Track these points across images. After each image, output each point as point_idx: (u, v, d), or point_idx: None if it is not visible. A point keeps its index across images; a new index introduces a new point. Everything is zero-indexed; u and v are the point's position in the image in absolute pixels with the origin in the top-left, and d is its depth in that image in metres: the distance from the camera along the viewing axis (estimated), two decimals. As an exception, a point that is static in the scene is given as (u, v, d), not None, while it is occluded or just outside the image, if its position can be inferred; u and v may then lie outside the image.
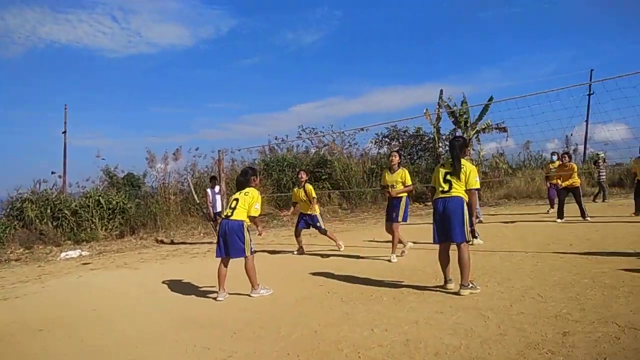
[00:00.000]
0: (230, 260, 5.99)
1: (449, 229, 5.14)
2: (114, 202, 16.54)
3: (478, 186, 5.35)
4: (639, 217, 10.81)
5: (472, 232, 8.61)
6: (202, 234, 15.08)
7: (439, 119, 21.30)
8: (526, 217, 12.67)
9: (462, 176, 5.23)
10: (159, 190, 18.53)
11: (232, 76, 57.28)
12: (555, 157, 13.40)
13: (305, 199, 9.22)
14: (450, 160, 5.36)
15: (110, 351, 4.29)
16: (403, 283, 5.88)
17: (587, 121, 21.15)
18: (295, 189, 9.59)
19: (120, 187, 18.61)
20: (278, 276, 7.09)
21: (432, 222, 5.38)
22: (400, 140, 23.69)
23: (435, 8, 53.37)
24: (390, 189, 7.56)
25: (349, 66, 57.76)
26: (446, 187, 5.26)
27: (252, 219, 5.98)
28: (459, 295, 5.06)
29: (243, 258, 5.88)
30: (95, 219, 15.97)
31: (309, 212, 9.19)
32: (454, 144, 5.42)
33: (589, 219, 10.73)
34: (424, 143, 23.31)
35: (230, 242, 5.83)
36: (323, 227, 9.19)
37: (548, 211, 13.19)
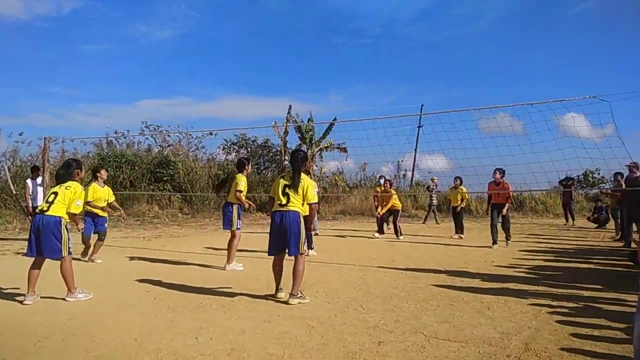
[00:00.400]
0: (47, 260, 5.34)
1: (285, 242, 5.21)
2: None
3: (316, 200, 5.47)
4: (456, 237, 12.23)
5: (309, 243, 8.92)
6: (17, 230, 13.31)
7: (286, 132, 21.91)
8: (357, 232, 13.52)
9: (300, 190, 5.28)
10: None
11: (71, 60, 51.96)
12: (382, 181, 14.59)
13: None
14: (291, 172, 5.41)
15: None
16: (235, 291, 5.81)
17: (415, 150, 23.42)
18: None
19: None
20: (101, 280, 6.53)
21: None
22: (249, 149, 23.76)
23: (290, 27, 55.04)
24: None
25: (202, 69, 56.29)
26: (284, 201, 5.26)
27: (71, 215, 5.38)
28: (288, 304, 5.14)
29: (59, 259, 5.29)
30: None
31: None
32: (296, 157, 5.47)
33: (401, 238, 11.83)
34: (271, 154, 23.70)
35: (44, 240, 5.18)
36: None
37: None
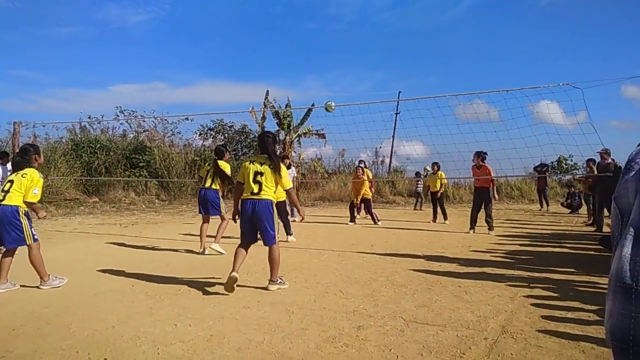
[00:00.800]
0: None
1: (260, 232, 5.11)
2: None
3: (291, 185, 5.31)
4: (434, 223, 12.34)
5: (287, 229, 8.94)
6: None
7: (264, 118, 21.68)
8: (336, 219, 13.55)
9: (272, 176, 5.07)
10: None
11: (42, 43, 50.43)
12: (362, 165, 14.62)
13: None
14: (263, 156, 5.16)
15: None
16: (214, 277, 5.78)
17: (393, 136, 23.54)
18: None
19: None
20: (77, 267, 6.41)
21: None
22: (226, 135, 23.54)
23: (267, 12, 54.49)
24: None
25: (177, 54, 55.40)
26: (256, 189, 5.03)
27: (29, 204, 5.18)
28: (267, 290, 5.13)
29: (26, 247, 5.16)
30: None
31: None
32: (266, 140, 5.20)
33: (379, 224, 11.83)
34: (248, 140, 23.53)
35: (3, 230, 5.04)
36: None
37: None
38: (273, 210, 5.10)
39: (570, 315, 4.26)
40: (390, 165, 24.86)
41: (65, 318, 4.19)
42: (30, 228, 5.19)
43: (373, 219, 11.98)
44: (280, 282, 5.26)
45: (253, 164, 5.12)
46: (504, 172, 12.13)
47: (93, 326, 3.97)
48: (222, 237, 7.45)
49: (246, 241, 5.20)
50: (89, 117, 21.12)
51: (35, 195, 5.16)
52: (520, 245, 8.65)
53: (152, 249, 8.03)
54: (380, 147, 23.58)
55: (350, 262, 6.82)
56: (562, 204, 16.32)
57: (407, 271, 6.20)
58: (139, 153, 19.30)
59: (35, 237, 5.24)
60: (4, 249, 5.21)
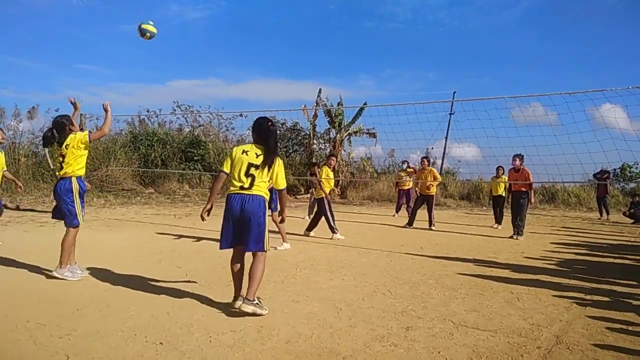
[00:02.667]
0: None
1: (246, 234, 4.16)
2: (-54, 156, 14.33)
3: (286, 185, 4.46)
4: (497, 228, 12.03)
5: (331, 227, 9.00)
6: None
7: (315, 116, 21.82)
8: (385, 219, 13.47)
9: (267, 171, 4.26)
10: (7, 149, 16.46)
11: (106, 40, 52.78)
12: (405, 165, 14.42)
13: None
14: (261, 147, 4.30)
15: None
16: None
17: (446, 138, 23.10)
18: None
19: (-44, 139, 16.22)
20: (134, 255, 6.70)
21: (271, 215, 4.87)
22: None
23: (321, 10, 54.65)
24: None
25: (233, 51, 56.56)
26: (247, 183, 4.19)
27: (95, 137, 5.25)
28: (241, 310, 4.03)
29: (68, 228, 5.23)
30: None
31: None
32: (264, 127, 4.34)
33: (434, 228, 11.42)
34: (299, 138, 23.71)
35: (61, 205, 5.19)
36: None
37: (394, 215, 14.18)
38: (265, 209, 4.27)
39: (630, 329, 4.06)
40: (442, 167, 24.44)
41: (124, 302, 4.39)
42: (82, 208, 5.26)
43: (430, 221, 11.54)
44: (257, 303, 4.11)
45: (247, 154, 4.26)
46: (562, 177, 11.68)
47: (149, 311, 4.13)
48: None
49: (237, 249, 4.32)
50: (148, 111, 21.94)
51: (93, 134, 5.26)
52: (577, 254, 8.31)
53: (205, 239, 8.27)
54: (432, 148, 23.25)
55: (398, 263, 6.77)
56: (624, 214, 15.52)
57: (457, 275, 6.09)
58: (194, 147, 19.85)
59: (81, 221, 5.27)
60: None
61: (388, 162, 23.73)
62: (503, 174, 12.21)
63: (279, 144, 23.00)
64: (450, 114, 21.38)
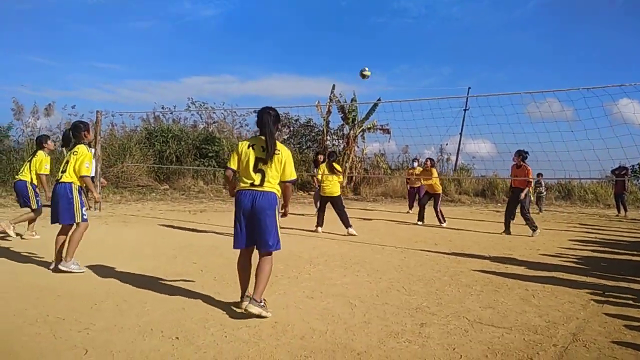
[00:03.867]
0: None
1: (257, 233, 4.02)
2: (-33, 153, 14.62)
3: (295, 177, 4.28)
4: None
5: (346, 222, 9.04)
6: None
7: (329, 112, 21.81)
8: (399, 215, 13.43)
9: (276, 164, 4.08)
10: (25, 146, 16.71)
11: (120, 37, 53.31)
12: (415, 164, 14.36)
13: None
14: (262, 138, 4.11)
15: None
16: (278, 267, 5.90)
17: (460, 134, 22.95)
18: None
19: (-23, 137, 16.50)
20: (150, 250, 6.77)
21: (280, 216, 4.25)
22: (291, 129, 23.85)
23: (333, 6, 54.56)
24: None
25: (246, 47, 56.88)
26: (257, 179, 4.03)
27: (83, 180, 5.36)
28: (247, 311, 3.89)
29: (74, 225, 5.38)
30: (-60, 169, 14.00)
31: None
32: (266, 117, 4.13)
33: (444, 225, 11.29)
34: (313, 134, 23.71)
35: (59, 206, 5.30)
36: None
37: (408, 211, 14.12)
38: (277, 207, 4.13)
39: (649, 327, 4.01)
40: (456, 163, 24.29)
41: (141, 297, 4.44)
42: (82, 208, 5.37)
43: (438, 217, 11.51)
44: (263, 305, 3.97)
45: (253, 149, 4.09)
46: (579, 173, 11.51)
47: (165, 306, 4.18)
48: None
49: (246, 247, 4.16)
50: (162, 108, 22.14)
51: (86, 169, 5.36)
52: (594, 251, 8.21)
53: (220, 235, 8.33)
54: (447, 144, 23.11)
55: (413, 260, 6.76)
56: (642, 210, 15.29)
57: (471, 271, 6.06)
58: (209, 143, 19.96)
59: (85, 217, 5.42)
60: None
61: (402, 158, 23.67)
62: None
63: (292, 140, 23.29)
64: (465, 110, 21.26)
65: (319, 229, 9.29)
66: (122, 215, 10.87)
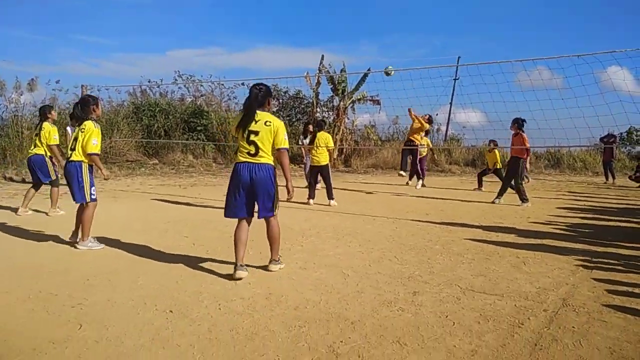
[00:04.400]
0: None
1: (258, 202, 4.33)
2: (-51, 130, 14.33)
3: (287, 145, 4.41)
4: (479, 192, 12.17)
5: (330, 193, 9.16)
6: (59, 175, 13.74)
7: (318, 83, 21.53)
8: (390, 186, 13.46)
9: (268, 135, 4.25)
10: (9, 122, 16.38)
11: (105, 9, 52.13)
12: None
13: None
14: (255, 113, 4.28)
15: None
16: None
17: (451, 103, 22.85)
18: None
19: (-41, 113, 16.13)
20: (141, 225, 6.74)
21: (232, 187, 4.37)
22: (280, 101, 23.60)
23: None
24: None
25: (232, 18, 55.88)
26: (252, 150, 4.24)
27: (91, 157, 5.30)
28: (269, 271, 4.50)
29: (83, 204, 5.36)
30: None
31: None
32: (251, 92, 4.31)
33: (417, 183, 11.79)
34: (302, 106, 23.50)
35: (72, 186, 5.30)
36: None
37: (407, 183, 14.17)
38: (274, 177, 4.36)
39: (636, 291, 4.08)
40: (446, 133, 24.28)
41: (133, 272, 4.43)
42: (91, 187, 5.33)
43: (418, 175, 11.82)
44: (278, 261, 4.60)
45: (242, 123, 4.32)
46: (569, 141, 11.57)
47: (158, 280, 4.18)
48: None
49: (243, 217, 4.37)
50: (149, 81, 21.70)
51: (94, 146, 5.24)
52: (583, 218, 8.31)
53: (211, 209, 8.30)
54: (437, 115, 23.04)
55: (404, 230, 6.79)
56: (630, 178, 15.44)
57: (463, 240, 6.11)
58: (197, 117, 19.71)
59: (94, 196, 5.35)
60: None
61: (392, 129, 23.61)
62: (496, 147, 12.22)
63: (281, 113, 23.07)
64: (455, 79, 21.10)
65: (311, 201, 9.28)
66: (112, 190, 10.78)
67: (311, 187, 9.49)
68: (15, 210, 7.62)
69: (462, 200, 10.50)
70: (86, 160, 5.33)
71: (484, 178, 12.75)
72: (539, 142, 9.42)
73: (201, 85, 22.25)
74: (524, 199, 9.64)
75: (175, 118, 19.54)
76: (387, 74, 9.38)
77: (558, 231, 6.95)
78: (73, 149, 5.33)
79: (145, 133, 18.57)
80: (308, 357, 2.74)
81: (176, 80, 21.86)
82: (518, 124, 9.49)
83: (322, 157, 9.30)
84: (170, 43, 57.26)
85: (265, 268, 4.57)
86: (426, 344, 2.95)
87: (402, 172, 11.60)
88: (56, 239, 5.71)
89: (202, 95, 22.52)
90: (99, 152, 5.37)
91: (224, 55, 53.01)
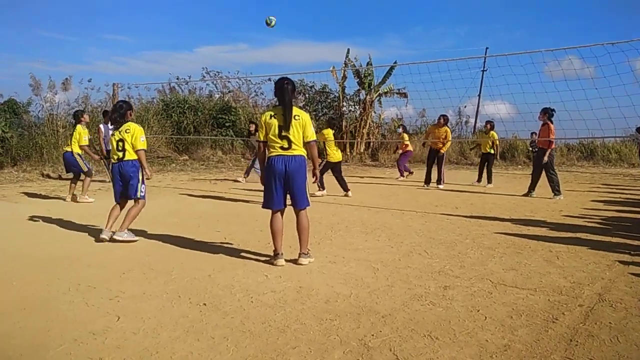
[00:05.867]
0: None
1: (292, 193, 4.54)
2: (-9, 129, 14.84)
3: (315, 137, 4.63)
4: (479, 185, 12.00)
5: (321, 183, 9.27)
6: (92, 168, 14.07)
7: (344, 77, 21.44)
8: (418, 180, 13.35)
9: (298, 129, 4.44)
10: (45, 121, 16.85)
11: (133, 8, 53.11)
12: (400, 130, 14.30)
13: None
14: (280, 108, 4.49)
15: (-24, 288, 3.90)
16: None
17: (479, 95, 22.49)
18: None
19: (-1, 113, 16.67)
20: (174, 220, 6.87)
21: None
22: (307, 95, 23.61)
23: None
24: None
25: (258, 14, 56.26)
26: (285, 144, 4.42)
27: (138, 152, 5.57)
28: (299, 264, 4.57)
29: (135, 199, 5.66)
30: (-34, 145, 14.28)
31: None
32: (284, 87, 4.48)
33: (441, 187, 11.34)
34: (329, 101, 23.45)
35: (127, 183, 5.57)
36: None
37: (397, 178, 13.98)
38: (306, 168, 4.55)
39: (676, 286, 3.97)
40: (475, 126, 23.90)
41: (167, 265, 4.53)
42: (143, 184, 5.64)
43: (439, 178, 11.60)
44: (307, 254, 4.67)
45: (274, 118, 4.45)
46: (603, 132, 11.24)
47: (191, 274, 4.26)
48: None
49: (279, 208, 4.60)
50: (177, 79, 22.01)
51: (143, 142, 5.61)
52: (619, 211, 8.10)
53: (242, 203, 8.41)
54: (465, 107, 22.73)
55: (434, 224, 6.75)
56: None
57: (493, 234, 6.04)
58: (225, 113, 19.91)
59: (143, 194, 5.67)
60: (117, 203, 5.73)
61: (420, 122, 23.36)
62: (492, 129, 11.94)
63: (308, 108, 23.09)
64: (484, 71, 20.76)
65: (323, 192, 9.37)
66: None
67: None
68: (62, 199, 8.82)
69: (491, 194, 10.35)
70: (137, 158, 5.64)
71: (493, 170, 12.39)
72: (571, 133, 9.16)
73: (228, 82, 22.45)
74: (557, 190, 9.44)
75: (204, 114, 19.79)
76: (268, 24, 8.73)
77: (593, 225, 6.79)
78: (122, 150, 5.56)
79: (175, 130, 18.85)
80: (340, 351, 2.77)
81: (204, 76, 22.15)
82: (548, 114, 9.26)
83: (333, 155, 9.49)
84: (197, 40, 57.96)
85: (295, 261, 4.61)
86: (458, 338, 2.93)
87: (440, 186, 11.39)
88: (96, 232, 5.88)
89: (229, 92, 22.71)
90: (146, 148, 5.71)
91: (250, 51, 53.39)
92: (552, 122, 9.27)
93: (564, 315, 3.31)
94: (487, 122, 12.29)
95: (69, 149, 8.75)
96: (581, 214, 7.73)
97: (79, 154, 8.70)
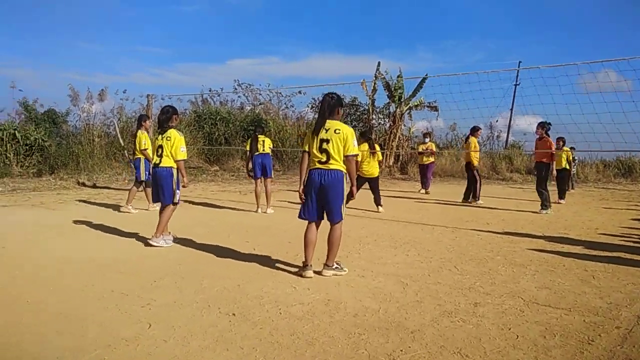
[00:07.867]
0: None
1: (326, 206, 4.58)
2: (31, 138, 15.44)
3: (357, 152, 4.76)
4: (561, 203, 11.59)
5: (378, 200, 9.35)
6: (127, 180, 14.45)
7: (374, 90, 21.43)
8: (449, 195, 13.20)
9: (338, 142, 4.51)
10: (82, 130, 17.43)
11: (167, 21, 54.63)
12: (427, 139, 14.05)
13: None
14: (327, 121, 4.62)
15: (10, 292, 4.03)
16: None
17: (511, 110, 22.18)
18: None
19: (39, 122, 17.31)
20: (204, 230, 6.97)
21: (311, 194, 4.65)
22: (333, 101, 23.63)
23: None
24: None
25: (289, 28, 57.03)
26: (324, 158, 4.51)
27: (178, 162, 5.82)
28: (322, 275, 4.61)
29: (166, 205, 5.85)
30: (9, 153, 14.86)
31: None
32: (324, 100, 4.68)
33: (480, 202, 11.04)
34: (358, 113, 23.48)
35: (160, 189, 5.79)
36: None
37: (419, 191, 13.84)
38: (343, 182, 4.58)
39: None
40: (507, 140, 23.56)
41: (197, 275, 4.60)
42: (177, 189, 5.83)
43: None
44: (337, 267, 4.69)
45: (315, 132, 4.62)
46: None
47: (221, 283, 4.31)
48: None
49: (313, 221, 4.68)
50: (210, 90, 22.45)
51: (183, 153, 5.83)
52: (658, 230, 7.82)
53: (271, 214, 8.47)
54: (497, 121, 22.43)
55: (464, 239, 6.65)
56: None
57: (525, 251, 5.91)
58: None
59: (176, 200, 5.87)
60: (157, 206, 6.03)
61: (450, 136, 23.15)
62: (564, 145, 11.69)
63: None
64: (516, 85, 20.47)
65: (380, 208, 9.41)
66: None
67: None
68: (116, 208, 8.93)
69: (523, 210, 10.13)
70: (175, 166, 5.81)
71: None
72: (608, 146, 8.82)
73: (259, 94, 22.78)
74: (545, 205, 9.44)
75: (235, 126, 20.10)
76: None
77: (631, 244, 6.58)
78: (160, 155, 5.78)
79: (207, 140, 19.19)
80: (368, 365, 2.75)
81: (236, 89, 22.51)
82: (545, 127, 9.20)
83: (371, 169, 9.49)
84: (229, 53, 59.10)
85: (319, 273, 4.64)
86: (488, 356, 2.88)
87: (480, 202, 11.18)
88: (129, 240, 6.01)
89: (260, 104, 23.03)
90: (186, 158, 5.93)
91: (281, 64, 54.17)
92: (549, 136, 9.24)
93: (601, 337, 3.21)
94: (559, 138, 11.93)
95: (137, 156, 8.89)
96: (618, 232, 7.50)
97: (139, 159, 8.82)
